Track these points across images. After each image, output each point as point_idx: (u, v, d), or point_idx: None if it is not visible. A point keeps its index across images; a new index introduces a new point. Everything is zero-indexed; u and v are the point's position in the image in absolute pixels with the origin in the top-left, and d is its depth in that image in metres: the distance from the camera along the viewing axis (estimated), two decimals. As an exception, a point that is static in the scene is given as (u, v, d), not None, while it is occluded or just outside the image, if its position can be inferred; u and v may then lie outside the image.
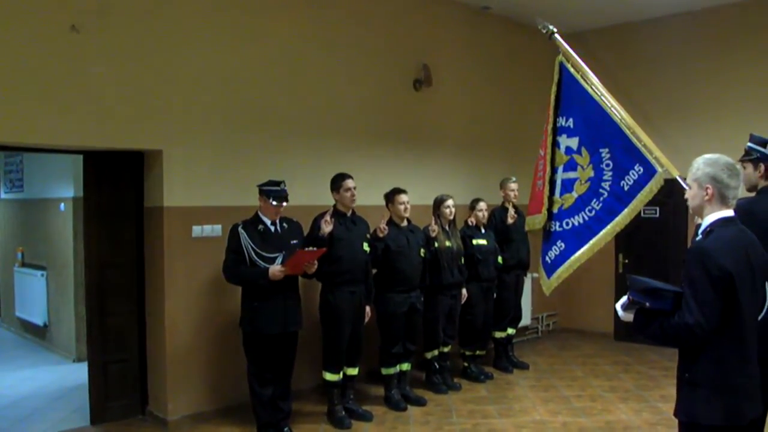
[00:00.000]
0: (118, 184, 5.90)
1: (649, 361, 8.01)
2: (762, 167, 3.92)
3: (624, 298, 3.07)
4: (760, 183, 3.95)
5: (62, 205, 8.12)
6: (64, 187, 7.98)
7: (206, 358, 5.95)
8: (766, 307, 3.12)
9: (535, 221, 5.45)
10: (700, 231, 3.02)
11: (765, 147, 3.91)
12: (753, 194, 3.98)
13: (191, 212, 5.82)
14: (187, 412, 5.83)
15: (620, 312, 3.10)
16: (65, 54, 5.10)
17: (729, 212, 2.98)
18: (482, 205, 7.19)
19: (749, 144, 3.98)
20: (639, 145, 4.80)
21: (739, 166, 3.08)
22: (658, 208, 8.57)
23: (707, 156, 3.02)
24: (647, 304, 2.94)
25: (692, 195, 3.04)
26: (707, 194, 2.96)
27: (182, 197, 5.76)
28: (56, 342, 8.39)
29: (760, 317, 3.05)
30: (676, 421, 3.05)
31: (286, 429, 5.49)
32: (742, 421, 2.89)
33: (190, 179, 5.80)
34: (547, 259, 5.36)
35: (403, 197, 6.26)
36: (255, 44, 6.22)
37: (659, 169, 4.70)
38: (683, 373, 2.97)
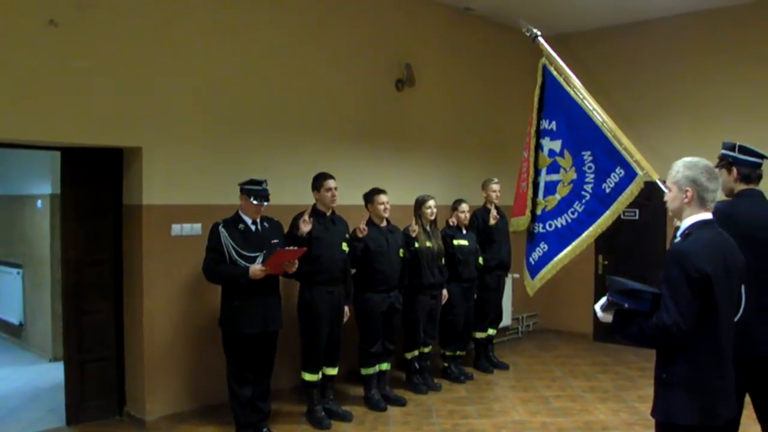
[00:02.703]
0: (96, 182, 5.84)
1: (627, 361, 8.06)
2: (735, 171, 3.96)
3: (603, 299, 3.09)
4: (736, 187, 3.99)
5: (39, 202, 8.03)
6: (41, 184, 7.89)
7: (185, 357, 5.90)
8: (742, 309, 3.15)
9: (520, 223, 5.49)
10: (678, 233, 3.05)
11: (734, 150, 3.96)
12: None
13: (171, 210, 5.78)
14: (165, 412, 5.79)
15: (599, 313, 3.12)
16: (43, 48, 5.03)
17: (707, 215, 3.01)
18: (464, 206, 7.20)
19: (722, 151, 4.04)
20: (620, 148, 4.84)
21: (717, 169, 3.11)
22: (637, 211, 8.63)
23: (687, 159, 3.05)
24: (626, 304, 2.97)
25: (672, 197, 3.08)
26: (686, 197, 3.00)
27: (162, 195, 5.71)
28: (32, 341, 8.30)
29: (736, 319, 3.08)
30: (654, 421, 3.08)
31: (265, 429, 5.47)
32: (717, 422, 2.91)
33: (170, 177, 5.75)
34: (531, 260, 5.40)
35: (383, 197, 6.25)
36: (236, 42, 6.18)
37: (640, 172, 4.75)
38: (660, 373, 2.99)
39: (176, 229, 5.81)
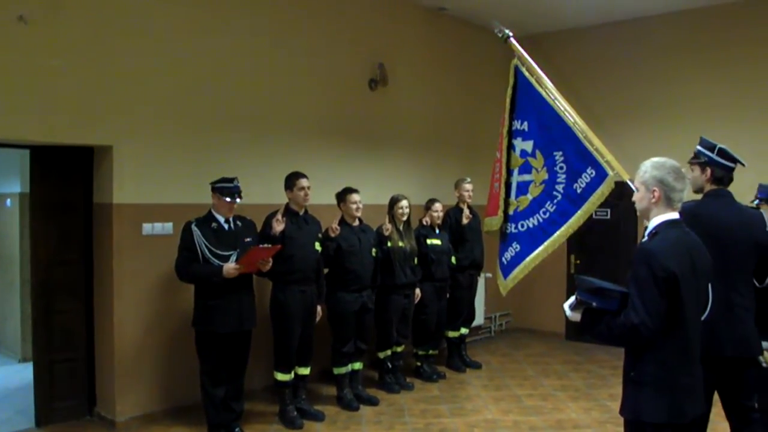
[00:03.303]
0: (66, 180, 5.78)
1: (598, 360, 8.13)
2: (709, 171, 3.99)
3: (572, 298, 3.12)
4: (707, 186, 4.03)
5: (8, 200, 7.93)
6: (10, 183, 7.78)
7: (156, 357, 5.86)
8: (709, 308, 3.19)
9: (493, 223, 5.50)
10: (646, 233, 3.08)
11: (713, 151, 3.98)
12: (699, 196, 4.06)
13: (142, 209, 5.73)
14: (135, 413, 5.74)
15: (568, 312, 3.15)
16: (12, 45, 4.96)
17: (674, 215, 3.05)
18: (438, 206, 7.22)
19: (698, 147, 4.06)
20: (591, 149, 4.87)
21: (684, 169, 3.15)
22: (609, 210, 8.72)
23: (654, 159, 3.09)
24: (594, 303, 2.99)
25: (639, 197, 3.12)
26: (654, 197, 3.03)
27: (133, 194, 5.67)
28: (1, 341, 8.18)
29: (703, 318, 3.12)
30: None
31: (237, 429, 5.44)
32: (684, 419, 2.95)
33: (141, 176, 5.71)
34: (504, 260, 5.42)
35: (355, 197, 6.25)
36: (209, 41, 6.14)
37: (610, 173, 4.78)
38: (629, 371, 3.03)
39: (147, 228, 5.77)
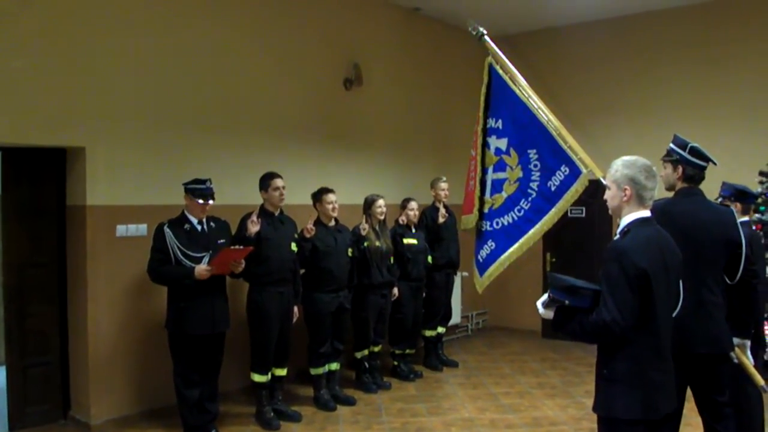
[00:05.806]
0: (39, 182, 5.71)
1: (575, 357, 8.19)
2: (680, 169, 4.02)
3: (545, 296, 3.13)
4: (678, 184, 4.06)
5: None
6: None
7: (131, 360, 5.81)
8: (680, 305, 3.22)
9: (469, 221, 5.53)
10: (618, 231, 3.11)
11: (685, 150, 4.01)
12: (671, 194, 4.10)
13: (115, 211, 5.68)
14: (111, 416, 5.69)
15: (540, 309, 3.16)
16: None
17: (646, 213, 3.07)
18: (413, 204, 7.23)
19: (671, 145, 4.09)
20: (565, 147, 4.91)
21: (656, 167, 3.17)
22: (584, 209, 8.77)
23: (625, 158, 3.12)
24: (567, 301, 3.01)
25: (611, 196, 3.14)
26: (625, 195, 3.06)
27: (106, 195, 5.62)
28: (-27, 345, 8.05)
29: (674, 315, 3.14)
30: (598, 416, 3.13)
31: (213, 431, 5.41)
32: (657, 415, 2.97)
33: (114, 177, 5.66)
34: (479, 258, 5.44)
35: (331, 197, 6.24)
36: (182, 40, 6.10)
37: (584, 170, 4.82)
38: (601, 369, 3.04)
39: (121, 229, 5.72)
